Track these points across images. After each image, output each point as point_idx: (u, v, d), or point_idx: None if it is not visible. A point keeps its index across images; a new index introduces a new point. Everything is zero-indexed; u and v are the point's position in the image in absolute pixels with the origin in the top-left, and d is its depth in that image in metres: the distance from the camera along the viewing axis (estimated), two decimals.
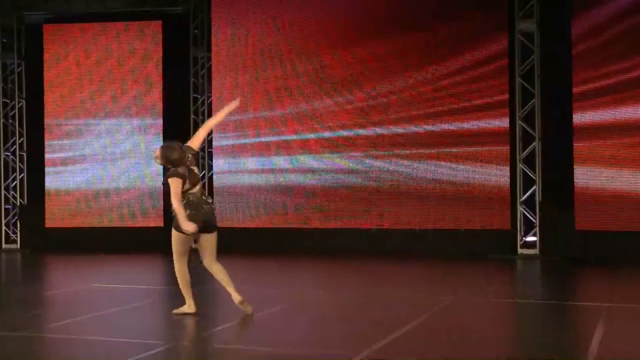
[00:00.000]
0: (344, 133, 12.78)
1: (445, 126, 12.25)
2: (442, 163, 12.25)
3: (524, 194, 12.04)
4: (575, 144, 11.56)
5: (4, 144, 14.37)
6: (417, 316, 6.92)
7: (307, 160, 12.97)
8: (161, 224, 13.46)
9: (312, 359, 5.55)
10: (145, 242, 13.21)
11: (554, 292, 9.25)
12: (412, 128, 12.42)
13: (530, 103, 11.98)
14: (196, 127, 13.57)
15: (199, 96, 13.78)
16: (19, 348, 6.04)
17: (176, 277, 7.11)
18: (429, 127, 12.33)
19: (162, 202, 13.56)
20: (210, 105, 13.57)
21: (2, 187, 14.34)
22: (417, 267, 11.31)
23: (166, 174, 6.85)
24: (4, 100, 14.36)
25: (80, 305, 7.85)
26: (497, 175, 12.02)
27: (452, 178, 12.21)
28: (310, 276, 10.55)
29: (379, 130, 12.60)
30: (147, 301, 8.35)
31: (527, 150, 12.01)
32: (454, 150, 12.19)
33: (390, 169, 12.51)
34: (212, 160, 13.58)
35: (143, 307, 7.96)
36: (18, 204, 14.37)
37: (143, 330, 6.80)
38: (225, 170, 13.41)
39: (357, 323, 6.92)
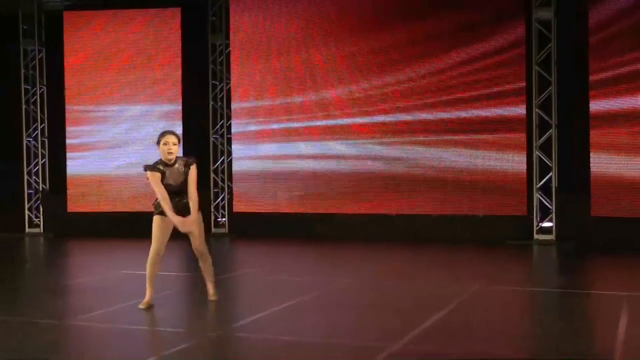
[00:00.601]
0: (362, 120, 12.94)
1: (463, 114, 12.41)
2: (460, 150, 12.43)
3: (540, 181, 12.21)
4: (592, 131, 11.71)
5: (26, 130, 14.59)
6: (444, 306, 7.10)
7: (326, 146, 13.15)
8: None
9: (348, 349, 5.75)
10: None
11: (574, 280, 9.43)
12: (430, 115, 12.58)
13: (547, 91, 12.11)
14: (215, 113, 13.86)
15: (218, 83, 13.93)
16: (60, 337, 6.27)
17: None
18: (447, 115, 12.49)
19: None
20: (229, 91, 13.74)
21: (25, 173, 14.57)
22: (437, 253, 11.50)
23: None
24: (25, 86, 14.57)
25: (114, 293, 8.05)
26: (514, 162, 12.18)
27: (469, 165, 12.38)
28: (334, 263, 10.73)
29: (396, 117, 12.76)
30: (176, 289, 8.56)
31: (543, 137, 12.16)
32: (472, 137, 12.36)
33: (409, 155, 12.69)
34: (230, 146, 13.76)
35: (173, 296, 8.17)
36: (40, 189, 14.61)
37: (176, 319, 7.00)
38: (244, 155, 13.59)
39: (387, 312, 7.11)
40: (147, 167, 6.99)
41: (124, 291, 8.10)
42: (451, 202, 12.50)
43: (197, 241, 7.18)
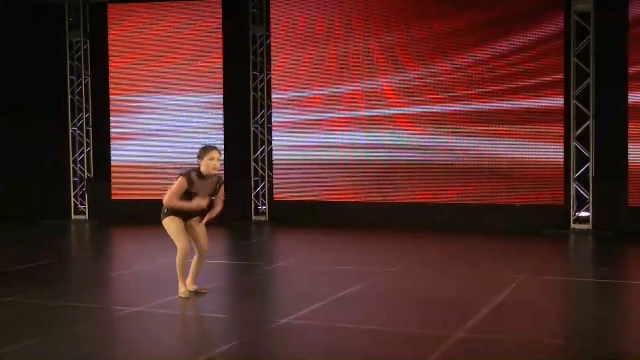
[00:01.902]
0: (402, 110, 13.17)
1: (501, 105, 12.59)
2: (498, 140, 12.63)
3: (577, 171, 12.39)
4: (631, 123, 11.86)
5: (72, 119, 14.97)
6: (496, 295, 7.37)
7: (365, 136, 13.39)
8: None
9: (410, 337, 6.01)
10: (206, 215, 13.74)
11: (616, 270, 9.65)
12: (469, 106, 12.78)
13: (585, 82, 12.27)
14: (256, 104, 14.15)
15: (258, 73, 14.19)
16: (134, 324, 6.61)
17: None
18: (486, 106, 12.69)
19: (223, 176, 14.07)
20: (269, 82, 14.01)
21: (71, 161, 14.97)
22: (477, 242, 11.72)
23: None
24: (71, 77, 14.93)
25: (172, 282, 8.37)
26: (552, 153, 12.37)
27: (507, 155, 12.59)
28: (377, 252, 10.98)
29: (435, 108, 12.98)
30: (225, 279, 8.84)
31: (581, 128, 12.33)
32: (509, 128, 12.55)
33: (448, 146, 12.91)
34: (271, 136, 14.04)
35: (223, 286, 8.46)
36: (86, 177, 15.00)
37: (233, 309, 7.29)
38: (285, 145, 13.88)
39: (441, 301, 7.38)
40: (182, 175, 7.23)
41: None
42: (489, 192, 12.73)
43: (204, 241, 7.45)
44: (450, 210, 13.04)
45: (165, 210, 7.29)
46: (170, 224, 7.27)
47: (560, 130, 12.36)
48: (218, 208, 7.38)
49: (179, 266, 7.37)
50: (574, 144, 12.37)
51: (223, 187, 7.47)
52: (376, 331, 6.23)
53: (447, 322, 6.47)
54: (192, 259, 7.53)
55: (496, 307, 6.94)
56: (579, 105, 12.33)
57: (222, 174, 13.69)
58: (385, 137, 13.26)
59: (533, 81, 12.40)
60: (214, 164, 7.18)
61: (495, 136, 12.65)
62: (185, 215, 7.29)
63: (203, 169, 7.19)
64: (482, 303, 7.03)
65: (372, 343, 5.93)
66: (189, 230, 7.37)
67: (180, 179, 7.16)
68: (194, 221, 7.40)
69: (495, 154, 12.66)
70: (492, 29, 12.62)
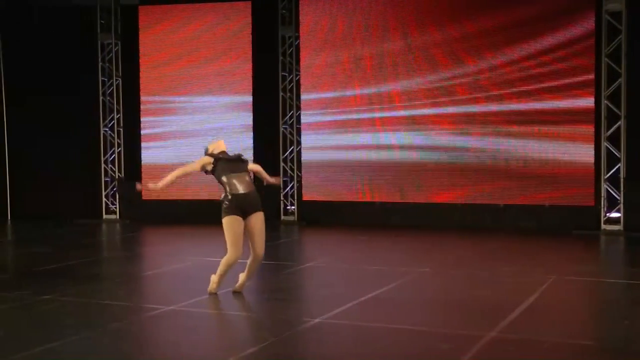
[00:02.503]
0: (431, 111, 13.17)
1: (532, 105, 12.55)
2: (528, 141, 12.59)
3: (608, 172, 12.31)
4: None
5: (103, 120, 15.14)
6: (528, 295, 7.36)
7: (393, 137, 13.42)
8: None
9: (446, 336, 6.03)
10: None
11: None
12: (497, 106, 12.76)
13: (616, 82, 12.19)
14: (284, 105, 14.20)
15: (287, 74, 14.26)
16: (170, 323, 6.69)
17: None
18: (515, 106, 12.66)
19: (252, 176, 14.15)
20: (298, 83, 14.07)
21: (102, 161, 15.13)
22: (506, 242, 11.70)
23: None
24: (102, 78, 15.10)
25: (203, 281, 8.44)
26: (582, 153, 12.31)
27: (537, 155, 12.55)
28: (406, 252, 11.01)
29: (464, 108, 12.97)
30: (257, 279, 8.86)
31: (612, 128, 12.25)
32: (540, 127, 12.50)
33: (476, 145, 12.90)
34: (300, 136, 14.11)
35: (254, 287, 8.50)
36: (116, 177, 15.16)
37: (268, 308, 7.33)
38: (313, 146, 13.93)
39: (473, 301, 7.40)
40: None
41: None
42: (517, 192, 12.69)
43: (259, 245, 7.42)
44: (479, 210, 13.02)
45: (225, 204, 7.27)
46: (229, 228, 7.23)
47: (590, 130, 12.29)
48: (269, 177, 7.82)
49: (222, 270, 7.39)
50: (604, 144, 12.30)
51: (249, 161, 7.68)
52: (409, 331, 6.25)
53: (480, 322, 6.47)
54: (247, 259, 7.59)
55: (528, 308, 6.93)
56: (610, 105, 12.25)
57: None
58: (413, 137, 13.28)
59: (563, 81, 12.35)
60: (217, 144, 7.57)
61: (525, 136, 12.61)
62: (241, 205, 7.26)
63: (215, 150, 7.50)
64: (514, 303, 7.03)
65: (405, 343, 5.95)
66: (247, 230, 7.32)
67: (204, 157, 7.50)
68: (254, 217, 7.34)
69: (524, 154, 12.62)
70: (523, 29, 12.58)
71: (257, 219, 7.36)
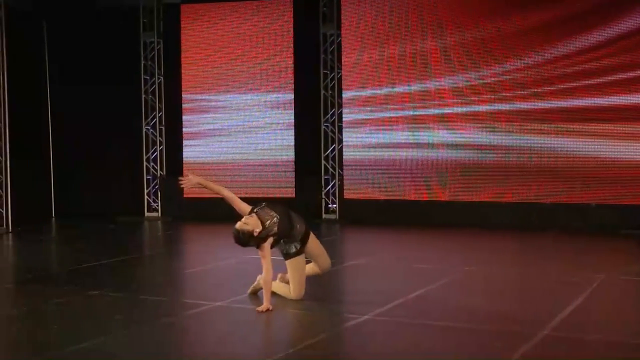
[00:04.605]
0: (476, 108, 13.01)
1: (578, 102, 12.34)
2: (576, 138, 12.37)
3: None
4: None
5: (145, 118, 15.23)
6: (579, 294, 7.24)
7: (436, 135, 13.28)
8: (293, 195, 14.12)
9: (497, 334, 5.94)
10: None
11: None
12: (546, 103, 12.56)
13: None
14: (326, 102, 14.16)
15: (329, 72, 14.21)
16: (216, 319, 6.69)
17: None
18: (561, 103, 12.45)
19: (293, 175, 14.21)
20: (339, 80, 14.02)
21: (144, 159, 15.23)
22: (553, 241, 11.53)
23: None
24: (144, 77, 15.19)
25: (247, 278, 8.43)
26: (631, 151, 12.07)
27: (584, 153, 12.33)
28: (450, 250, 10.88)
29: (511, 105, 12.79)
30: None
31: None
32: (587, 126, 12.29)
33: (521, 143, 12.72)
34: (341, 134, 14.05)
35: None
36: (158, 174, 15.25)
37: (312, 306, 7.21)
38: (355, 143, 13.86)
39: (523, 300, 7.31)
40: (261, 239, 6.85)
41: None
42: (564, 191, 12.49)
43: (322, 260, 7.29)
44: (524, 209, 12.83)
45: (293, 249, 7.09)
46: (295, 270, 7.02)
47: (638, 127, 12.05)
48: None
49: (272, 288, 7.00)
50: None
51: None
52: (458, 328, 6.18)
53: (530, 320, 6.38)
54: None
55: (578, 306, 6.82)
56: None
57: (291, 176, 13.98)
58: (456, 134, 13.14)
59: (617, 77, 12.08)
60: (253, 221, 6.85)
61: (571, 134, 12.40)
62: (299, 242, 7.13)
63: (257, 229, 6.78)
64: (564, 302, 6.92)
65: (455, 340, 5.88)
66: (308, 251, 7.19)
67: (264, 245, 6.84)
68: (310, 241, 7.21)
69: (570, 152, 12.41)
70: (577, 24, 12.29)
71: (311, 241, 7.26)
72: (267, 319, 6.61)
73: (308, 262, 7.39)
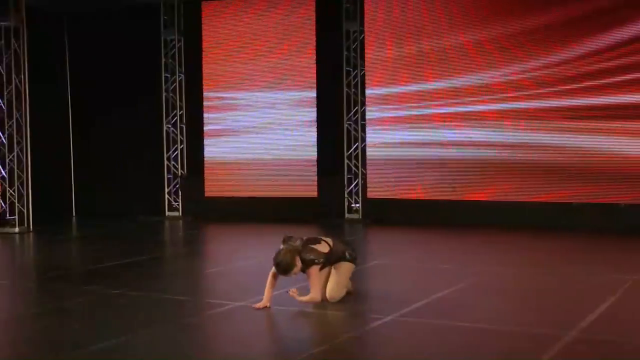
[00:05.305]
0: (497, 106, 12.79)
1: (606, 100, 12.07)
2: (601, 137, 12.10)
3: None
4: None
5: (166, 116, 15.13)
6: (608, 295, 7.02)
7: (459, 133, 13.05)
8: (315, 195, 13.96)
9: (524, 336, 5.75)
10: (300, 212, 13.72)
11: None
12: (570, 101, 12.30)
13: None
14: (349, 100, 13.99)
15: (352, 69, 14.03)
16: (240, 319, 6.54)
17: None
18: (588, 101, 12.18)
19: (315, 174, 14.04)
20: (363, 78, 13.83)
21: (165, 158, 15.13)
22: (579, 241, 11.28)
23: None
24: (165, 75, 15.10)
25: None
26: None
27: (610, 152, 12.06)
28: (475, 251, 10.67)
29: (534, 104, 12.54)
30: None
31: None
32: (614, 124, 12.02)
33: (547, 142, 12.46)
34: (364, 132, 13.87)
35: None
36: (179, 174, 15.14)
37: (336, 306, 7.07)
38: (378, 142, 13.67)
39: (550, 301, 7.11)
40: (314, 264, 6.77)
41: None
42: (591, 191, 12.21)
43: (329, 285, 6.97)
44: (550, 209, 12.56)
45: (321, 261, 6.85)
46: (316, 274, 6.80)
47: None
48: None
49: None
50: None
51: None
52: (484, 330, 6.00)
53: (559, 322, 6.19)
54: None
55: (608, 308, 6.60)
56: None
57: (313, 175, 13.81)
58: (481, 133, 12.89)
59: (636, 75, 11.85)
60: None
61: (598, 133, 12.13)
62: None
63: (296, 265, 6.68)
64: (593, 304, 6.70)
65: (481, 342, 5.71)
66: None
67: (313, 269, 6.75)
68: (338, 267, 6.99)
69: (598, 151, 12.12)
70: (593, 24, 12.06)
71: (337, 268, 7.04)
72: (289, 319, 6.47)
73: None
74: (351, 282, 7.21)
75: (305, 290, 6.81)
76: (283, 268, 6.61)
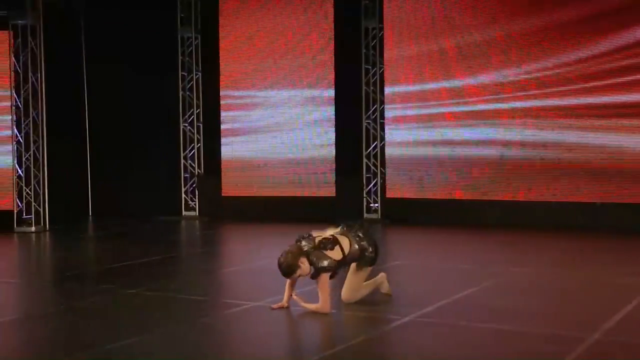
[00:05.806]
0: (516, 104, 12.56)
1: (624, 98, 11.83)
2: (621, 135, 11.86)
3: None
4: None
5: (183, 115, 15.05)
6: (633, 297, 6.83)
7: (479, 131, 12.83)
8: (333, 194, 13.82)
9: (545, 337, 5.61)
10: (318, 212, 13.55)
11: None
12: (589, 99, 12.05)
13: None
14: (367, 98, 13.85)
15: (370, 67, 13.88)
16: (256, 319, 6.42)
17: None
18: (610, 99, 11.94)
19: (333, 173, 13.90)
20: (382, 76, 13.67)
21: (181, 157, 15.05)
22: (602, 241, 11.06)
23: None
24: (182, 73, 15.02)
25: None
26: None
27: (631, 151, 11.82)
28: (495, 251, 10.51)
29: (552, 102, 12.31)
30: (343, 277, 8.56)
31: None
32: (634, 122, 11.78)
33: (568, 140, 12.23)
34: (383, 131, 13.71)
35: (339, 284, 8.18)
36: (196, 173, 15.06)
37: (354, 306, 6.93)
38: (397, 141, 13.51)
39: (572, 302, 6.97)
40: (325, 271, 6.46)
41: None
42: (613, 191, 11.96)
43: (345, 291, 6.84)
44: (572, 208, 12.33)
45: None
46: (325, 284, 6.45)
47: None
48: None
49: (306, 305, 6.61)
50: None
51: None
52: (505, 331, 5.85)
53: (581, 323, 6.03)
54: None
55: (632, 310, 6.42)
56: None
57: (331, 175, 13.67)
58: (502, 131, 12.68)
59: None
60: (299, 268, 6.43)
61: (619, 131, 11.87)
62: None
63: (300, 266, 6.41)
64: (616, 305, 6.52)
65: (503, 342, 5.58)
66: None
67: (323, 276, 6.43)
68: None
69: (619, 150, 11.87)
70: (605, 23, 11.80)
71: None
72: (306, 319, 6.36)
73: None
74: (388, 283, 7.03)
75: (309, 295, 6.62)
76: (283, 270, 6.40)
